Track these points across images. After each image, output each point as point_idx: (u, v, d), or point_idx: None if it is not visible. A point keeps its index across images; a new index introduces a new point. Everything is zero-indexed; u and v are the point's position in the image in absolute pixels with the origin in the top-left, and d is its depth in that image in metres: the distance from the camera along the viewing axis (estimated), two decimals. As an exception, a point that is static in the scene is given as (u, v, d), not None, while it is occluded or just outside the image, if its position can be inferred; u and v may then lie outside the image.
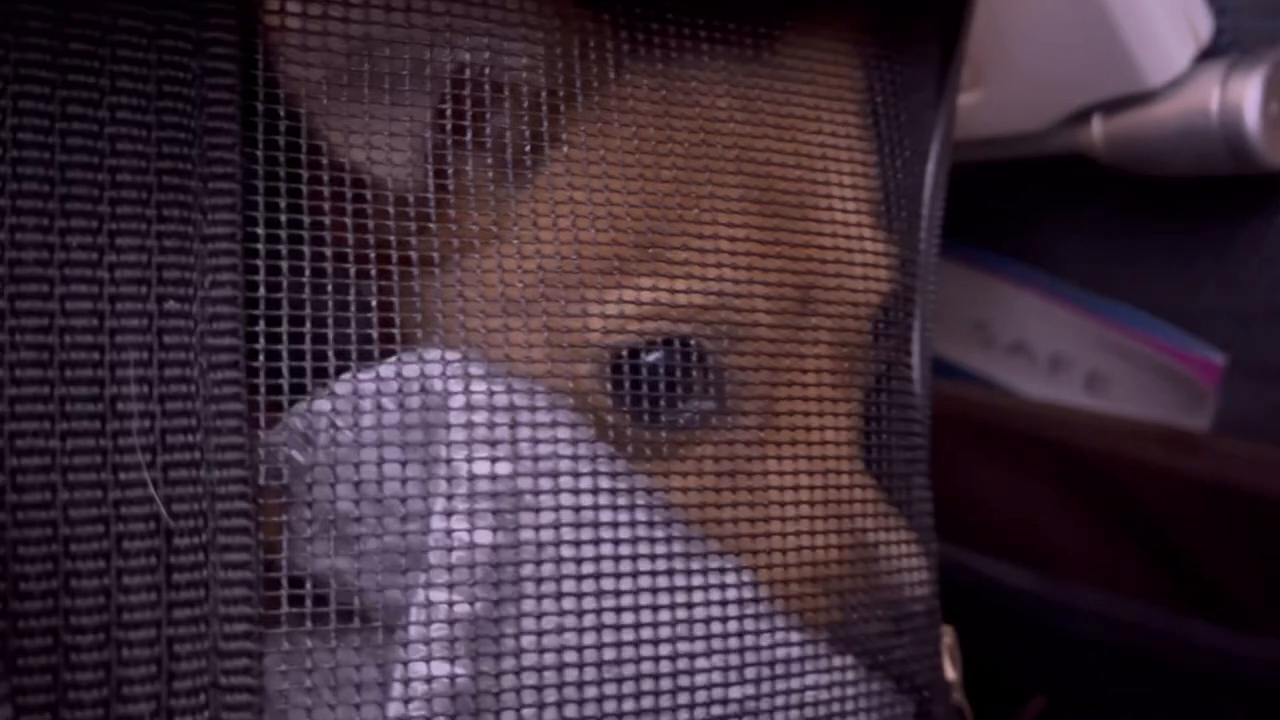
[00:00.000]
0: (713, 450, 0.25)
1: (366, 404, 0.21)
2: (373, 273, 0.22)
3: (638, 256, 0.24)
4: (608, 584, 0.21)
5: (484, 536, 0.21)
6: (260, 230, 0.21)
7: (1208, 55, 0.42)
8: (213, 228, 0.20)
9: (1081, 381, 0.59)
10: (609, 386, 0.24)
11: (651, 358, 0.24)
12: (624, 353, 0.24)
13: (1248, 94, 0.40)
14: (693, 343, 0.25)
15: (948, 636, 0.33)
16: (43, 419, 0.19)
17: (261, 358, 0.20)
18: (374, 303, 0.21)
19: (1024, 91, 0.46)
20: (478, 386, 0.21)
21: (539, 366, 0.22)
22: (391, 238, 0.22)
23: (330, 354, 0.21)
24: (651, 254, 0.24)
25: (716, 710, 0.23)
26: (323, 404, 0.21)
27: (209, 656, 0.19)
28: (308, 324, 0.21)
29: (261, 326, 0.20)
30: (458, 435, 0.21)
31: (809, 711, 0.24)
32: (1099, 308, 0.56)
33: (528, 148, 0.23)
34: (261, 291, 0.21)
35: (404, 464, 0.21)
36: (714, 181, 0.24)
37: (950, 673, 0.33)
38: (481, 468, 0.21)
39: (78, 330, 0.19)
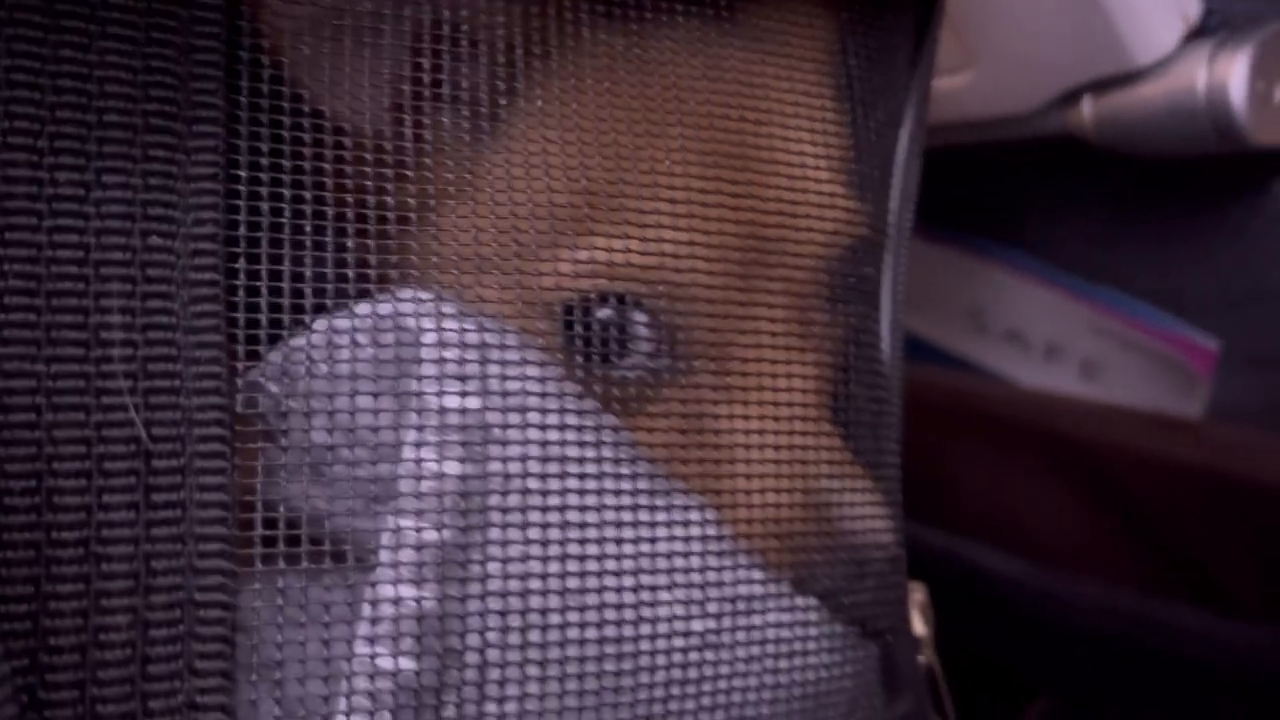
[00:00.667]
0: (667, 407, 0.25)
1: (343, 341, 0.22)
2: (348, 217, 0.22)
3: (584, 215, 0.24)
4: (573, 516, 0.22)
5: (453, 467, 0.21)
6: (243, 173, 0.22)
7: (1196, 35, 0.43)
8: (196, 168, 0.21)
9: (1076, 369, 0.59)
10: (561, 342, 0.25)
11: (599, 314, 0.25)
12: (572, 308, 0.25)
13: (1234, 73, 0.41)
14: (629, 299, 0.25)
15: (918, 593, 0.34)
16: (29, 344, 0.20)
17: (241, 293, 0.21)
18: (350, 245, 0.22)
19: (1014, 73, 0.47)
20: (449, 324, 0.22)
21: (497, 320, 0.23)
22: (368, 184, 0.22)
23: (308, 292, 0.21)
24: (596, 212, 0.24)
25: (678, 642, 0.23)
26: (301, 340, 0.22)
27: (185, 574, 0.20)
28: (286, 263, 0.22)
29: (242, 264, 0.21)
30: (429, 370, 0.22)
31: (770, 648, 0.24)
32: (1093, 294, 0.57)
33: (488, 103, 0.24)
34: (242, 230, 0.21)
35: (376, 397, 0.21)
36: (659, 139, 0.25)
37: (920, 628, 0.34)
38: (451, 401, 0.22)
39: (64, 261, 0.20)
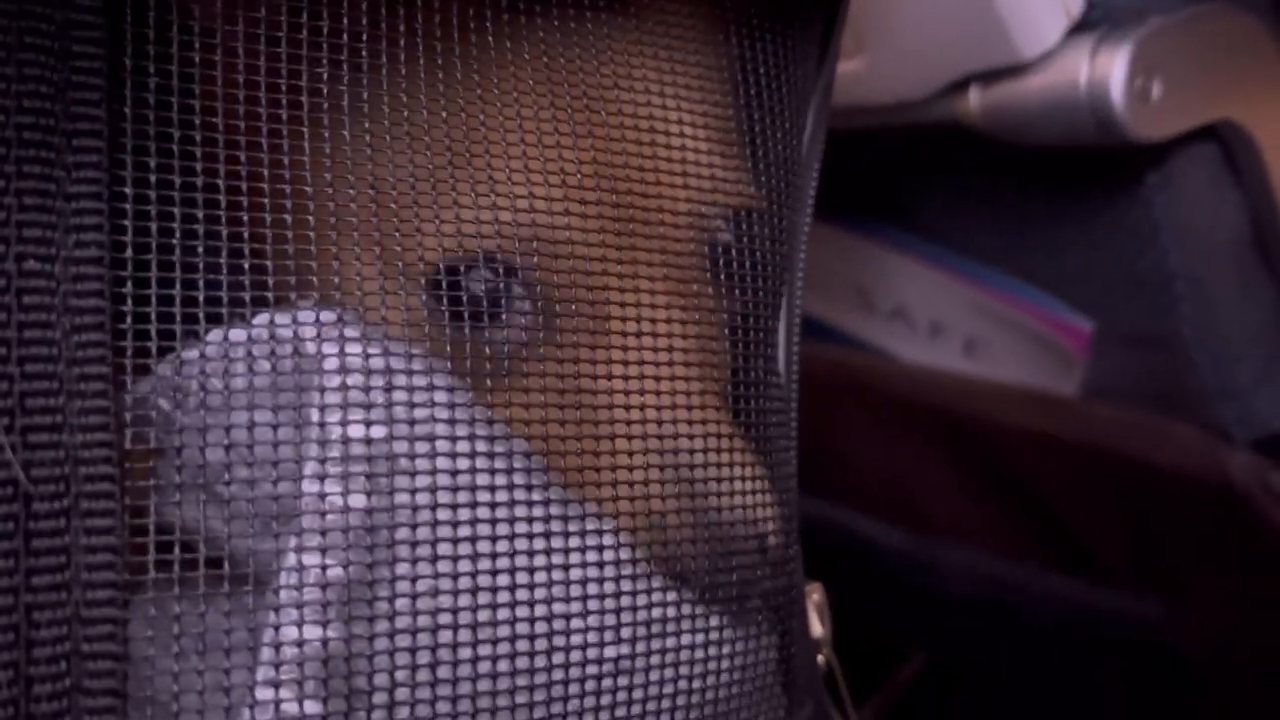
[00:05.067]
0: (541, 370, 0.25)
1: (239, 355, 0.21)
2: (243, 222, 0.21)
3: (449, 179, 0.24)
4: (483, 546, 0.22)
5: (357, 500, 0.21)
6: (128, 190, 0.20)
7: (1079, 28, 0.43)
8: (77, 185, 0.20)
9: (959, 347, 0.60)
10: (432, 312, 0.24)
11: (472, 281, 0.24)
12: (439, 273, 0.24)
13: (1114, 69, 0.42)
14: (500, 263, 0.25)
15: (816, 594, 0.34)
16: (-109, 380, 0.18)
17: (129, 320, 0.20)
18: (246, 250, 0.21)
19: (905, 61, 0.47)
20: (352, 349, 0.21)
21: (370, 287, 0.22)
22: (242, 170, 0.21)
23: (201, 316, 0.20)
24: (460, 173, 0.24)
25: (592, 669, 0.23)
26: (193, 354, 0.21)
27: (70, 624, 0.19)
28: (178, 285, 0.20)
29: (129, 288, 0.20)
30: (332, 399, 0.21)
31: (683, 669, 0.24)
32: (976, 274, 0.58)
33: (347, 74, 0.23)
34: (129, 253, 0.20)
35: (276, 414, 0.20)
36: (527, 106, 0.25)
37: (817, 628, 0.34)
38: (356, 431, 0.21)
39: (-72, 289, 0.18)
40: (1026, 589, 0.61)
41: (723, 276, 0.28)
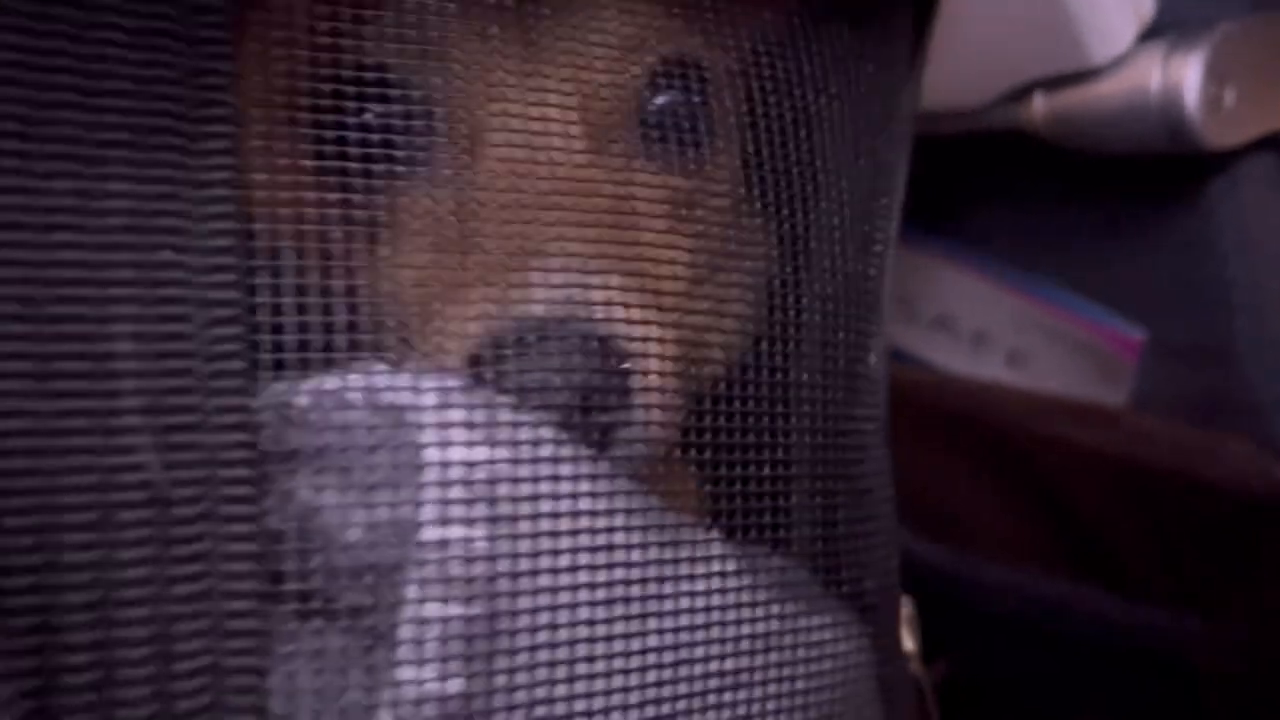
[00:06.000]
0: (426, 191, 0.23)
1: (347, 401, 0.20)
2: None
3: None
4: (605, 576, 0.21)
5: (480, 543, 0.20)
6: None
7: (1148, 35, 0.43)
8: (207, 173, 0.19)
9: (1003, 357, 0.60)
10: None
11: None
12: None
13: (1188, 75, 0.41)
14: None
15: (906, 607, 0.33)
16: (26, 377, 0.17)
17: (266, 312, 0.19)
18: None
19: (966, 66, 0.46)
20: (456, 397, 0.20)
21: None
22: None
23: (336, 309, 0.19)
24: None
25: (713, 682, 0.22)
26: (327, 383, 0.20)
27: (210, 637, 0.18)
28: (314, 274, 0.19)
29: (265, 277, 0.19)
30: (445, 436, 0.20)
31: (795, 679, 0.24)
32: (1022, 284, 0.57)
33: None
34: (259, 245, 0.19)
35: (391, 467, 0.20)
36: None
37: (909, 643, 0.33)
38: (479, 472, 0.20)
39: (64, 281, 0.18)
40: (1062, 603, 0.60)
41: (660, 143, 0.26)
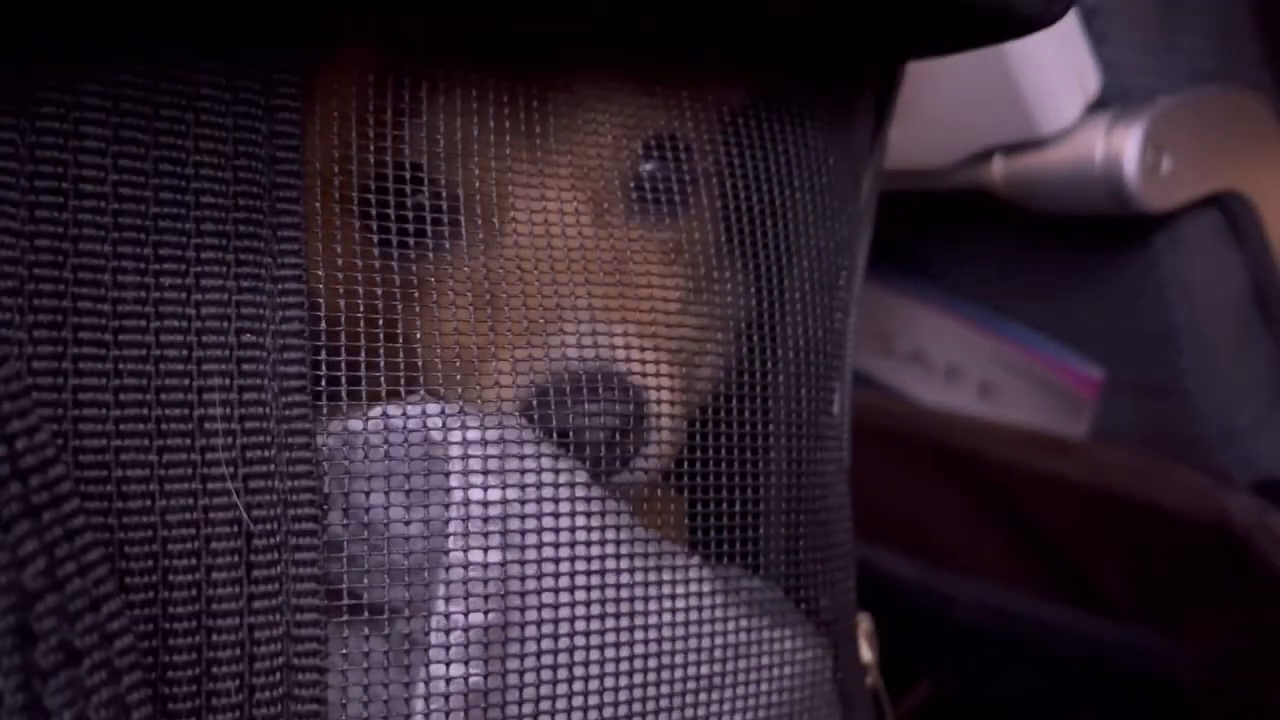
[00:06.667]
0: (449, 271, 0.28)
1: (388, 436, 0.25)
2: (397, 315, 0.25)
3: None
4: (595, 593, 0.26)
5: (494, 556, 0.25)
6: (321, 272, 0.24)
7: (1095, 107, 0.48)
8: (281, 270, 0.23)
9: (975, 390, 0.64)
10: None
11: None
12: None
13: (1127, 146, 0.46)
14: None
15: (864, 622, 0.38)
16: (143, 437, 0.22)
17: (323, 382, 0.24)
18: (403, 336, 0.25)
19: (932, 131, 0.51)
20: (474, 430, 0.25)
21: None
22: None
23: (381, 380, 0.24)
24: None
25: (690, 685, 0.27)
26: (357, 424, 0.24)
27: (283, 641, 0.22)
28: (362, 354, 0.24)
29: (324, 355, 0.24)
30: (462, 468, 0.25)
31: (760, 684, 0.28)
32: (993, 324, 0.62)
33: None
34: (323, 325, 0.24)
35: (423, 492, 0.24)
36: None
37: (866, 654, 0.38)
38: (492, 495, 0.25)
39: (171, 360, 0.22)
40: (1035, 620, 0.64)
41: (650, 204, 0.31)
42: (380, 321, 0.25)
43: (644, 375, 0.28)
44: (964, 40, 0.30)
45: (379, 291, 0.25)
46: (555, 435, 0.27)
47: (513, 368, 0.26)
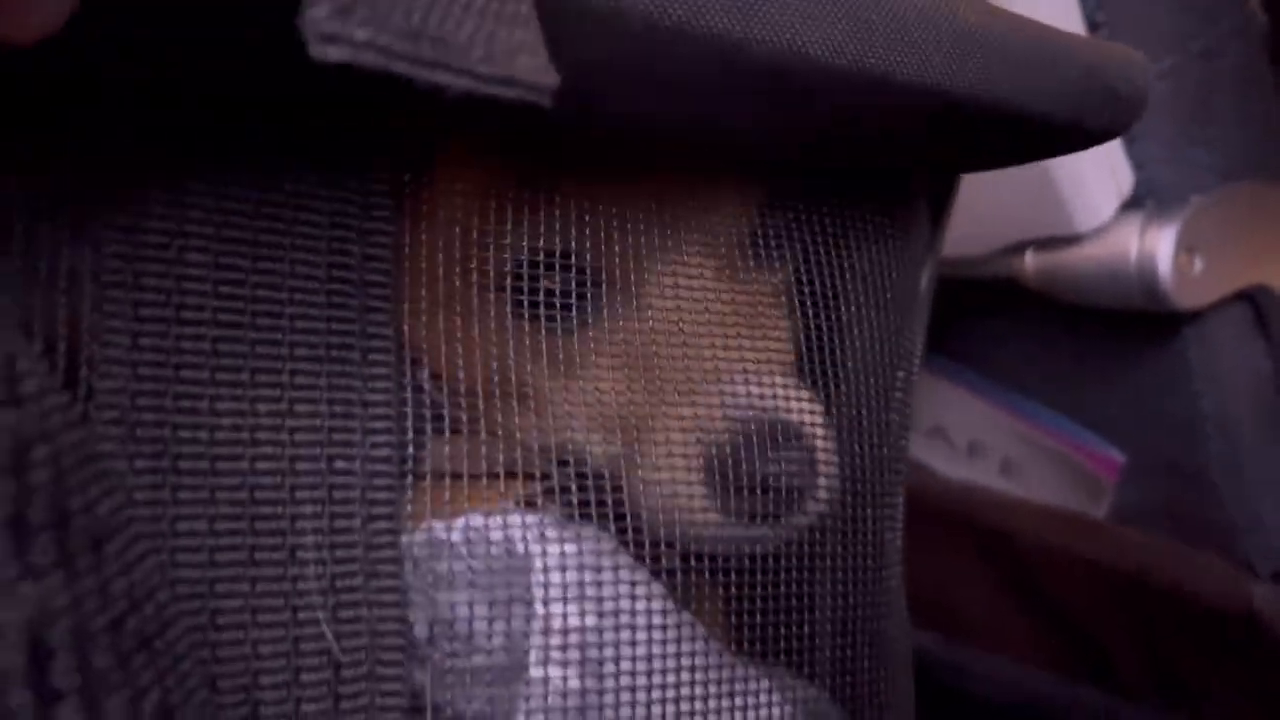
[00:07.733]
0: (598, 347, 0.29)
1: (462, 550, 0.25)
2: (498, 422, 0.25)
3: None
4: (670, 710, 0.26)
5: (574, 683, 0.25)
6: (408, 395, 0.24)
7: (1128, 205, 0.48)
8: (372, 394, 0.24)
9: (997, 466, 0.64)
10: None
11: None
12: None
13: (1161, 246, 0.46)
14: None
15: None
16: (238, 566, 0.22)
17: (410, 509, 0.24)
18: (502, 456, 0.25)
19: (968, 224, 0.51)
20: (562, 547, 0.25)
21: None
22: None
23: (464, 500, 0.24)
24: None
25: None
26: (441, 534, 0.24)
27: (369, 769, 0.22)
28: (446, 479, 0.24)
29: (410, 480, 0.24)
30: (552, 591, 0.25)
31: None
32: (1012, 403, 0.62)
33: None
34: (410, 450, 0.24)
35: (504, 605, 0.24)
36: None
37: None
38: (573, 620, 0.25)
39: (265, 487, 0.22)
40: (1054, 698, 0.64)
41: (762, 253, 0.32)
42: (531, 394, 0.26)
43: (808, 418, 0.30)
44: (1034, 154, 0.31)
45: (528, 366, 0.26)
46: (746, 488, 0.28)
47: (681, 428, 0.27)
